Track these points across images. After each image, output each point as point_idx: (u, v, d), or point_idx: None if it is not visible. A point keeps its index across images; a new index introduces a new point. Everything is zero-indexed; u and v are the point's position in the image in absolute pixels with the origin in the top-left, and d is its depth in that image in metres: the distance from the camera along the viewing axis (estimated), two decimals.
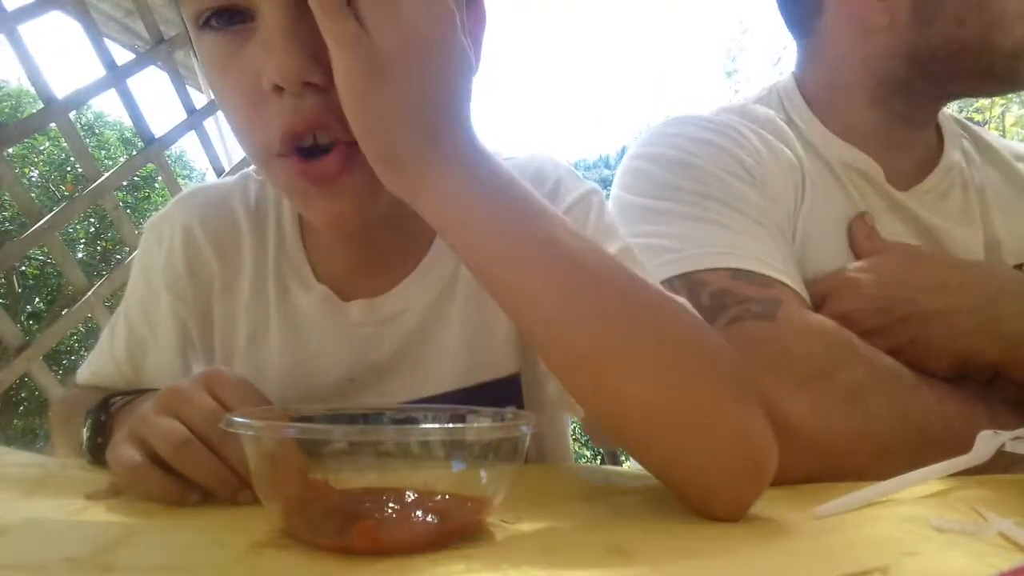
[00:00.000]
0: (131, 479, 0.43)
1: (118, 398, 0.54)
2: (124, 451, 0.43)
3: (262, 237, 0.64)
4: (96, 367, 0.69)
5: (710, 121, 0.75)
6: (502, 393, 0.60)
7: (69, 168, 7.66)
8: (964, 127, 0.83)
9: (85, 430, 0.52)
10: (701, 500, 0.41)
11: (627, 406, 0.40)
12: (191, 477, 0.41)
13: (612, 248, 0.56)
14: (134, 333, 0.67)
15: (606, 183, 0.77)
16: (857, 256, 0.70)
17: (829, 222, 0.72)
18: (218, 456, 0.41)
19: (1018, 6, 0.67)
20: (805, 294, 0.65)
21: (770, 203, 0.68)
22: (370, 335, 0.61)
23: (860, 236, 0.70)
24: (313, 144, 0.46)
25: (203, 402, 0.42)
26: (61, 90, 1.88)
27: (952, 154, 0.78)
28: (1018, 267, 0.75)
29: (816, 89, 0.79)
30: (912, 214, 0.74)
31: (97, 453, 0.51)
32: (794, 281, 0.63)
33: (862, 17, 0.75)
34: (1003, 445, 0.48)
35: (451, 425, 0.43)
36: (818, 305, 0.65)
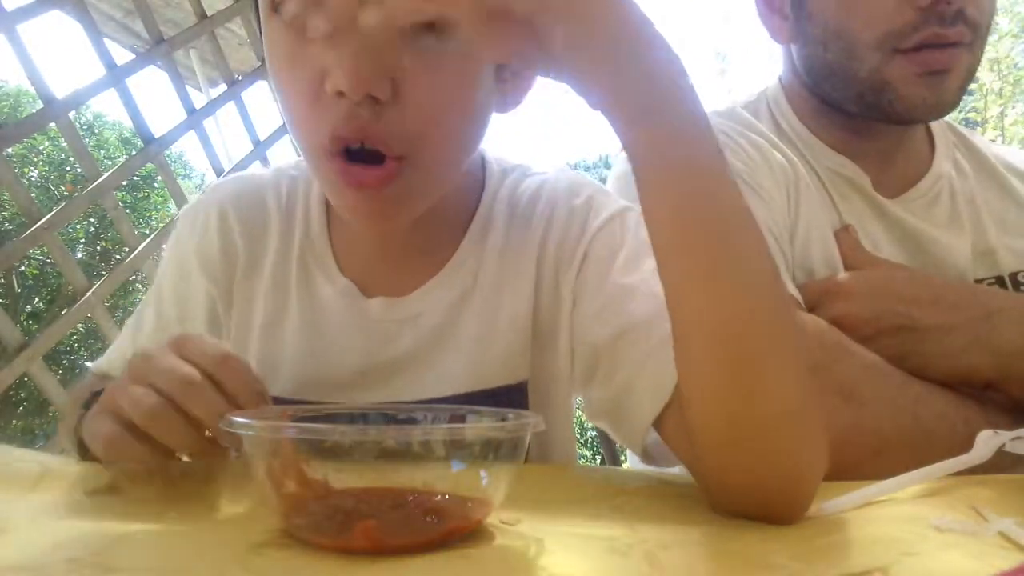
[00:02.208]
0: (108, 451, 0.42)
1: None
2: (99, 424, 0.42)
3: (289, 228, 0.65)
4: (117, 354, 0.69)
5: None
6: (509, 400, 0.61)
7: (69, 168, 7.66)
8: (960, 137, 0.83)
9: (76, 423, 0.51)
10: (785, 503, 0.40)
11: (769, 402, 0.40)
12: (165, 442, 0.40)
13: (649, 264, 0.56)
14: (163, 318, 0.67)
15: (607, 183, 0.77)
16: (845, 268, 0.70)
17: (815, 229, 0.72)
18: (192, 417, 0.40)
19: (871, 35, 0.68)
20: (798, 295, 0.65)
21: (763, 207, 0.69)
22: (387, 332, 0.62)
23: (845, 248, 0.71)
24: (361, 148, 0.48)
25: (172, 365, 0.41)
26: (61, 90, 1.88)
27: (942, 163, 0.78)
28: (1015, 275, 0.75)
29: (797, 96, 0.80)
30: (898, 220, 0.74)
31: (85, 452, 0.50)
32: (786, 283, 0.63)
33: (774, 30, 0.78)
34: (1003, 445, 0.48)
35: (451, 425, 0.43)
36: (810, 309, 0.65)
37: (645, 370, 0.51)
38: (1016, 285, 0.74)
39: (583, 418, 0.68)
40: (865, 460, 0.51)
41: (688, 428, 0.44)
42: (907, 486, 0.44)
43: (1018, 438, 0.48)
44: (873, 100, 0.71)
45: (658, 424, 0.50)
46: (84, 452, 0.51)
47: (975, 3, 0.67)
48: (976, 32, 0.68)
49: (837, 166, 0.75)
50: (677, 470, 0.54)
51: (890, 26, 0.67)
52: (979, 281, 0.75)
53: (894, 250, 0.74)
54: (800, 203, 0.73)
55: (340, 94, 0.46)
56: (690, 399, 0.43)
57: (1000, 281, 0.75)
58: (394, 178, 0.50)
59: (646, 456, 0.54)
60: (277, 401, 0.60)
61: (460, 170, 0.58)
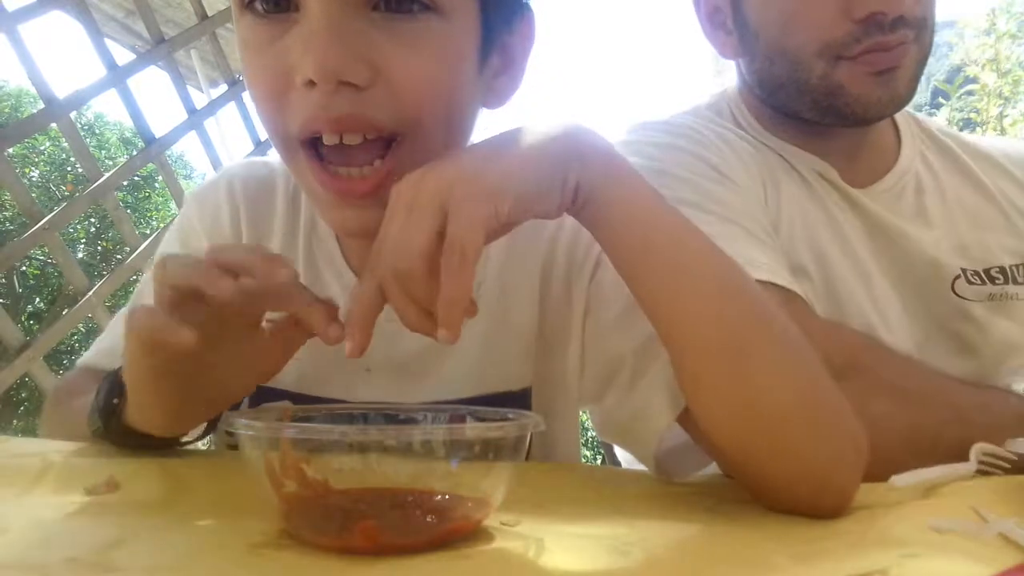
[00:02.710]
0: (144, 327, 0.39)
1: None
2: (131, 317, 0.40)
3: (294, 221, 0.65)
4: (108, 343, 0.67)
5: (668, 124, 0.76)
6: (512, 406, 0.60)
7: (69, 168, 7.66)
8: (926, 131, 0.84)
9: (99, 394, 0.50)
10: (813, 495, 0.42)
11: (765, 402, 0.42)
12: (215, 292, 0.38)
13: None
14: None
15: None
16: None
17: (799, 219, 0.72)
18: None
19: (813, 47, 0.69)
20: (797, 289, 0.64)
21: (741, 198, 0.69)
22: (392, 333, 0.61)
23: None
24: (339, 143, 0.46)
25: (178, 261, 0.40)
26: (61, 90, 1.88)
27: (907, 157, 0.79)
28: (988, 270, 0.75)
29: (753, 107, 0.81)
30: (869, 212, 0.75)
31: (109, 417, 0.49)
32: (775, 273, 0.62)
33: (720, 47, 0.79)
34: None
35: (451, 425, 0.43)
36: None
37: (662, 382, 0.51)
38: (991, 279, 0.75)
39: (583, 417, 0.67)
40: (925, 454, 0.51)
41: (704, 432, 0.46)
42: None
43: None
44: (827, 105, 0.71)
45: (685, 424, 0.51)
46: (107, 420, 0.50)
47: (915, 1, 0.67)
48: (920, 25, 0.69)
49: (806, 162, 0.76)
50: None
51: (830, 37, 0.68)
52: (964, 270, 0.74)
53: (866, 243, 0.74)
54: (781, 193, 0.73)
55: (310, 83, 0.44)
56: (695, 409, 0.46)
57: (978, 274, 0.75)
58: (379, 192, 0.46)
59: (659, 468, 0.52)
60: (281, 394, 0.61)
61: None
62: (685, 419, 0.50)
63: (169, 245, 0.68)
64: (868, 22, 0.66)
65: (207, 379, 0.44)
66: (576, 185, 0.43)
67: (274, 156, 0.67)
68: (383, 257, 0.40)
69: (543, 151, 0.43)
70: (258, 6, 0.46)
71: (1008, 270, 0.75)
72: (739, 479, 0.48)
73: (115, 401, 0.50)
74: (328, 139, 0.46)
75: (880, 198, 0.76)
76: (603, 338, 0.58)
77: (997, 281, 0.74)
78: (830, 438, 0.43)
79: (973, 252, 0.75)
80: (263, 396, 0.59)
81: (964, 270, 0.74)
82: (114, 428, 0.49)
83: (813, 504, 0.42)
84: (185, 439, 0.52)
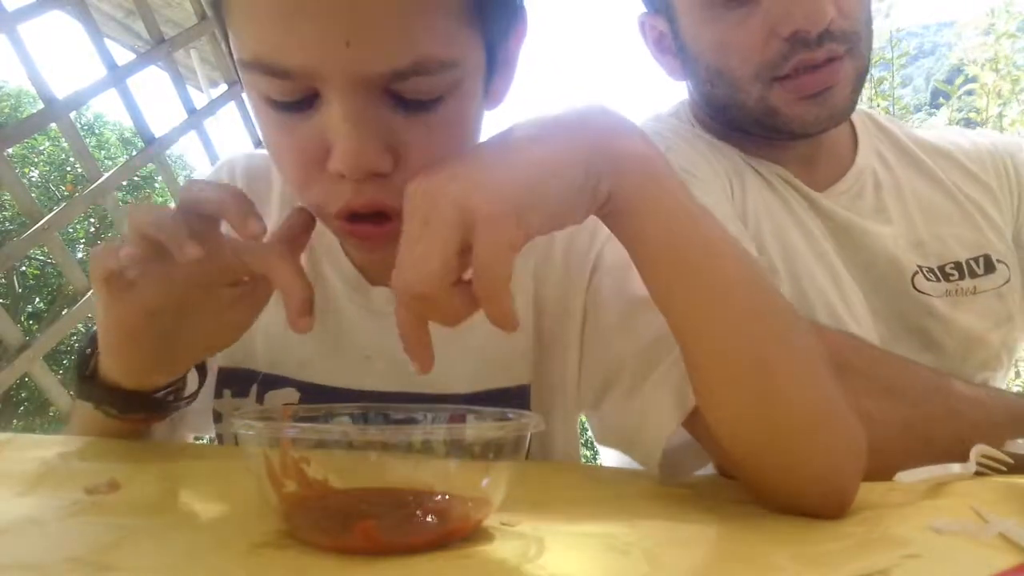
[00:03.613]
0: (98, 263, 0.41)
1: None
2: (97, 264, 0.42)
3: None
4: None
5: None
6: (511, 403, 0.60)
7: (69, 168, 7.66)
8: (881, 128, 0.84)
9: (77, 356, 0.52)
10: (820, 498, 0.43)
11: (784, 415, 0.42)
12: (173, 239, 0.39)
13: None
14: None
15: None
16: None
17: (766, 220, 0.73)
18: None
19: (748, 70, 0.70)
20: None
21: (712, 196, 0.69)
22: (390, 323, 0.61)
23: None
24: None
25: (147, 209, 0.41)
26: (61, 90, 1.88)
27: (864, 157, 0.80)
28: (942, 267, 0.76)
29: (704, 122, 0.82)
30: (830, 213, 0.75)
31: (84, 368, 0.51)
32: None
33: (669, 70, 0.81)
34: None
35: (451, 425, 0.43)
36: None
37: (666, 386, 0.51)
38: (946, 276, 0.75)
39: (583, 416, 0.67)
40: (919, 451, 0.52)
41: (716, 438, 0.46)
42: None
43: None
44: (769, 123, 0.73)
45: (690, 426, 0.50)
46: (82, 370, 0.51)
47: (842, 16, 0.68)
48: (852, 39, 0.69)
49: (764, 167, 0.77)
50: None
51: (762, 58, 0.69)
52: (921, 267, 0.75)
53: (831, 242, 0.75)
54: (746, 192, 0.74)
55: (341, 176, 0.43)
56: (712, 419, 0.45)
57: (933, 271, 0.76)
58: (398, 234, 0.45)
59: (662, 472, 0.51)
60: (280, 379, 0.61)
61: None
62: (689, 421, 0.50)
63: None
64: (793, 39, 0.67)
65: (175, 333, 0.45)
66: (608, 195, 0.41)
67: None
68: (400, 279, 0.39)
69: (572, 154, 0.39)
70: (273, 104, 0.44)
71: (964, 265, 0.76)
72: (745, 482, 0.48)
73: (88, 351, 0.51)
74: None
75: (840, 199, 0.77)
76: (602, 343, 0.57)
77: (952, 278, 0.75)
78: (839, 444, 0.43)
79: (929, 248, 0.76)
80: (267, 383, 0.61)
81: (920, 267, 0.75)
82: (88, 382, 0.50)
83: (818, 506, 0.42)
84: (162, 394, 0.52)
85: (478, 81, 0.47)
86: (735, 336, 0.42)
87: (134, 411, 0.51)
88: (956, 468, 0.48)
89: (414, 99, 0.43)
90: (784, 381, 0.42)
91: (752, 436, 0.44)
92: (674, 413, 0.49)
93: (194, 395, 0.56)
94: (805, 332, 0.45)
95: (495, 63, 0.49)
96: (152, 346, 0.46)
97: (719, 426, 0.45)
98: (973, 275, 0.75)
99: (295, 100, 0.42)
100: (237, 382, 0.62)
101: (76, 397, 0.52)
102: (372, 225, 0.46)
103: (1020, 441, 0.51)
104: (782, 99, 0.70)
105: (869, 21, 0.72)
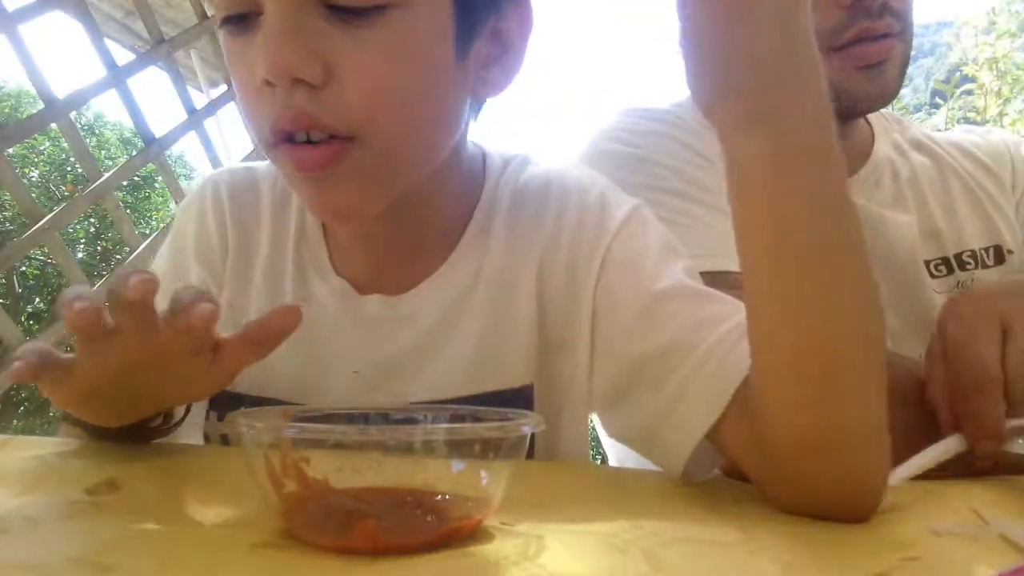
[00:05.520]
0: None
1: None
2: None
3: (283, 224, 0.64)
4: None
5: (651, 111, 0.77)
6: (513, 404, 0.58)
7: (69, 168, 7.67)
8: (896, 121, 0.85)
9: None
10: (854, 499, 0.41)
11: (857, 414, 0.40)
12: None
13: (678, 265, 0.55)
14: None
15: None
16: None
17: None
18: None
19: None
20: None
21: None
22: (383, 331, 0.60)
23: None
24: (306, 141, 0.47)
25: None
26: (61, 90, 1.88)
27: (882, 147, 0.80)
28: (959, 255, 0.76)
29: None
30: None
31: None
32: None
33: None
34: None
35: (452, 425, 0.43)
36: None
37: (697, 381, 0.48)
38: (961, 265, 0.76)
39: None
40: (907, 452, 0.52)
41: (759, 438, 0.44)
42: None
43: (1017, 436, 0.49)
44: None
45: (714, 434, 0.48)
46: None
47: None
48: (903, 21, 0.70)
49: None
50: None
51: (823, 27, 0.69)
52: (927, 262, 0.76)
53: None
54: None
55: (269, 83, 0.45)
56: (770, 412, 0.43)
57: (946, 262, 0.76)
58: (339, 158, 0.47)
59: (685, 475, 0.50)
60: (268, 403, 0.60)
61: (430, 154, 0.55)
62: None
63: (162, 259, 0.68)
64: (855, 8, 0.68)
65: (132, 398, 0.45)
66: None
67: (256, 162, 0.68)
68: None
69: None
70: (231, 24, 0.48)
71: (979, 253, 0.76)
72: (774, 483, 0.45)
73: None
74: (297, 137, 0.47)
75: (860, 188, 0.77)
76: (619, 342, 0.55)
77: (968, 266, 0.76)
78: (883, 457, 0.42)
79: (946, 237, 0.77)
80: (254, 406, 0.58)
81: (927, 262, 0.75)
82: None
83: (852, 508, 0.41)
84: (155, 424, 0.52)
85: (435, 18, 0.48)
86: (837, 322, 0.40)
87: (121, 438, 0.51)
88: (942, 445, 0.47)
89: (350, 5, 0.45)
90: (856, 382, 0.40)
91: (808, 439, 0.41)
92: (707, 412, 0.47)
93: (182, 420, 0.54)
94: (882, 337, 0.43)
95: (475, 24, 0.50)
96: (108, 409, 0.46)
97: (775, 423, 0.42)
98: (984, 265, 0.76)
99: (241, 13, 0.46)
100: (224, 406, 0.60)
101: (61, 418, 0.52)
102: (308, 147, 0.47)
103: (1021, 441, 0.51)
104: (839, 70, 0.69)
105: (912, 13, 0.73)
